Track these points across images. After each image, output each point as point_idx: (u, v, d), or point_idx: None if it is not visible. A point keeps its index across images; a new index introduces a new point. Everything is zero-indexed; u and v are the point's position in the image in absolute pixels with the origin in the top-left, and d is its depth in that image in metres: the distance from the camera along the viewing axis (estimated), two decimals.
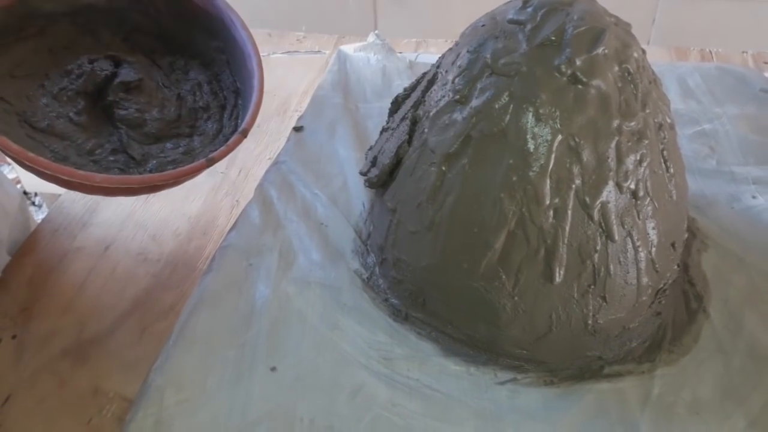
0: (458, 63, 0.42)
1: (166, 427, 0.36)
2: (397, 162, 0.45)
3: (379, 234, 0.46)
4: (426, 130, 0.43)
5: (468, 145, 0.40)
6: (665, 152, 0.41)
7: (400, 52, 0.71)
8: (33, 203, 1.15)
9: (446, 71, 0.44)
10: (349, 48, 0.70)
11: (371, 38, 0.72)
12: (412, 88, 0.50)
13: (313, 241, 0.48)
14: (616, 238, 0.39)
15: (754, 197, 0.53)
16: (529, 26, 0.40)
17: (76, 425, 0.41)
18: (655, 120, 0.41)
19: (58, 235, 0.53)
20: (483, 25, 0.43)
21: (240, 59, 0.50)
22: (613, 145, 0.38)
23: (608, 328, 0.40)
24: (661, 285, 0.42)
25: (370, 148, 0.51)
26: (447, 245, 0.41)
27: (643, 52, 0.42)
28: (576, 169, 0.38)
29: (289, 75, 0.74)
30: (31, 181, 0.83)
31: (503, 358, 0.41)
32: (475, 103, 0.40)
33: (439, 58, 0.47)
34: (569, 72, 0.38)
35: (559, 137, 0.38)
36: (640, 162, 0.39)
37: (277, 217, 0.50)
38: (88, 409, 0.41)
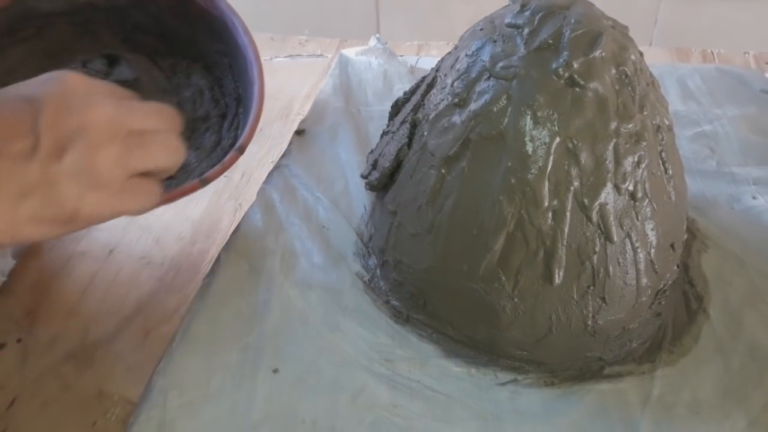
0: (457, 67, 0.43)
1: (169, 429, 0.37)
2: (397, 165, 0.45)
3: (380, 236, 0.46)
4: (425, 133, 0.43)
5: (467, 148, 0.40)
6: (663, 154, 0.42)
7: (401, 56, 0.71)
8: None
9: (445, 75, 0.44)
10: (350, 52, 0.71)
11: (373, 42, 0.72)
12: (412, 91, 0.50)
13: (314, 243, 0.48)
14: (615, 239, 0.39)
15: (754, 198, 0.53)
16: (526, 30, 0.40)
17: (80, 428, 0.41)
18: (653, 122, 0.41)
19: (63, 240, 0.54)
20: (481, 29, 0.43)
21: (242, 65, 0.49)
22: (611, 147, 0.39)
23: (608, 328, 0.41)
24: (661, 286, 0.43)
25: (371, 152, 0.51)
26: (447, 247, 0.41)
27: (641, 54, 0.42)
28: (574, 171, 0.38)
29: (291, 79, 0.74)
30: None
31: (504, 359, 0.41)
32: (473, 106, 0.40)
33: (439, 61, 0.48)
34: (567, 75, 0.38)
35: (557, 140, 0.38)
36: (638, 163, 0.39)
37: (279, 220, 0.50)
38: (92, 412, 0.42)
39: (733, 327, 0.43)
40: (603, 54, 0.39)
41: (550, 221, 0.38)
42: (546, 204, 0.38)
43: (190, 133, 0.50)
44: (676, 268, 0.44)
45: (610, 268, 0.39)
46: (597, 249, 0.39)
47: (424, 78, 0.49)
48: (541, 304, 0.39)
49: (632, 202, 0.39)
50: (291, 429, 0.37)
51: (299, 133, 0.59)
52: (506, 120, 0.39)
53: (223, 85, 0.53)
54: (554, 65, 0.39)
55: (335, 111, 0.62)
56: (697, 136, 0.60)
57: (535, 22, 0.40)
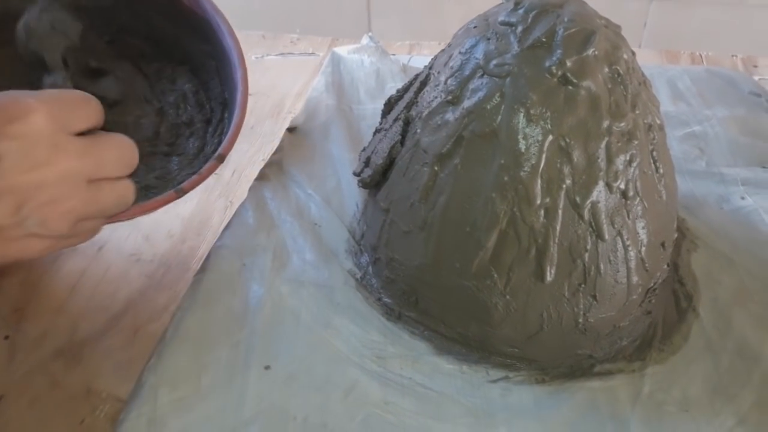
0: (450, 64, 0.43)
1: (159, 425, 0.36)
2: (390, 162, 0.45)
3: (373, 234, 0.46)
4: (418, 130, 0.43)
5: (460, 146, 0.40)
6: (655, 153, 0.42)
7: (393, 54, 0.71)
8: None
9: (438, 72, 0.44)
10: (342, 50, 0.71)
11: (365, 40, 0.72)
12: (405, 89, 0.50)
13: (306, 241, 0.48)
14: (606, 237, 0.39)
15: (742, 198, 0.53)
16: (520, 28, 0.40)
17: (68, 426, 0.41)
18: (645, 121, 0.41)
19: None
20: (475, 27, 0.43)
21: (228, 68, 0.47)
22: (603, 145, 0.39)
23: (599, 326, 0.41)
24: (651, 284, 0.43)
25: (364, 149, 0.51)
26: (439, 245, 0.41)
27: (633, 53, 0.42)
28: (566, 169, 0.38)
29: (282, 77, 0.74)
30: None
31: (495, 357, 0.41)
32: (467, 103, 0.40)
33: (432, 59, 0.48)
34: (560, 73, 0.38)
35: (550, 137, 0.38)
36: (629, 162, 0.40)
37: (271, 217, 0.50)
38: (80, 410, 0.41)
39: (722, 326, 0.43)
40: (596, 53, 0.39)
41: (542, 219, 0.39)
42: (538, 202, 0.38)
43: (174, 139, 0.49)
44: (666, 266, 0.45)
45: (601, 266, 0.39)
46: (588, 247, 0.39)
47: (417, 75, 0.49)
48: (533, 301, 0.40)
49: (624, 200, 0.40)
50: (282, 426, 0.37)
51: (291, 130, 0.59)
52: (499, 118, 0.39)
53: (210, 89, 0.51)
54: (547, 63, 0.39)
55: (327, 108, 0.62)
56: (687, 136, 0.60)
57: (529, 20, 0.40)
